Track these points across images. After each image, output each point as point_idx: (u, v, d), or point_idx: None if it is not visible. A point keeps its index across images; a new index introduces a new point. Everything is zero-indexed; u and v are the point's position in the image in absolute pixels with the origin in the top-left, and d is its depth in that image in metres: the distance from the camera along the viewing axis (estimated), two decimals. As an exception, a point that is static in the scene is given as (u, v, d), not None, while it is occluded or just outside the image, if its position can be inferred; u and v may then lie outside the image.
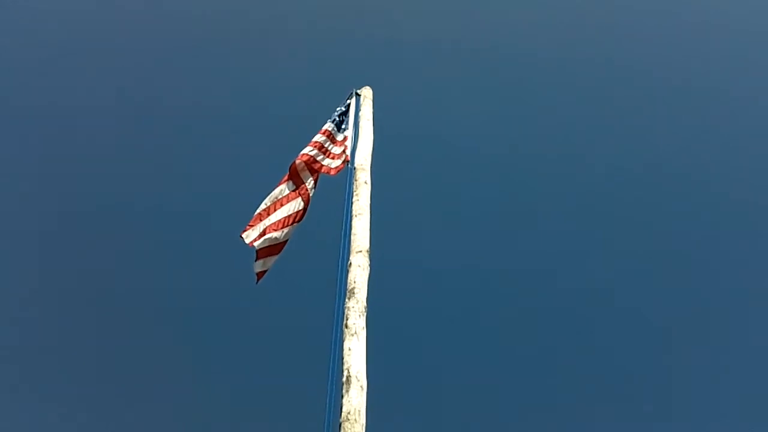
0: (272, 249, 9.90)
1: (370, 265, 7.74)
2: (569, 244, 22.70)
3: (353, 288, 7.36)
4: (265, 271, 10.07)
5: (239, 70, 24.34)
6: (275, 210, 9.80)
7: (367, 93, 10.89)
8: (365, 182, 9.03)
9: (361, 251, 7.85)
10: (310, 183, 10.04)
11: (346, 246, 8.04)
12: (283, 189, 9.94)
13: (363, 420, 6.10)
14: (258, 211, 9.75)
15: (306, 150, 10.09)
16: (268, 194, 9.89)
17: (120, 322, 21.60)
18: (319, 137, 10.29)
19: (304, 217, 10.08)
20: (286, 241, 10.02)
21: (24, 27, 23.50)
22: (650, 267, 22.18)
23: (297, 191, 9.97)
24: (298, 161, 10.00)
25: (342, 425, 6.04)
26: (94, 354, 21.07)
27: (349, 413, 6.09)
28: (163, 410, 20.72)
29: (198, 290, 22.10)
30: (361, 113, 10.47)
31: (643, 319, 21.58)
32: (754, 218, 22.09)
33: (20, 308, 20.92)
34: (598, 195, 23.62)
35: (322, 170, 10.05)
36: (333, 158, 10.15)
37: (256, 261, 9.86)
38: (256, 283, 10.07)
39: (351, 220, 8.36)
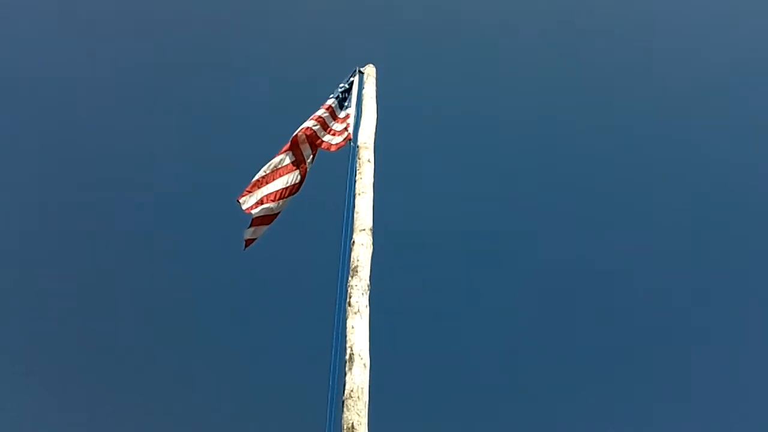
0: (265, 219, 9.98)
1: (373, 244, 7.76)
2: (574, 221, 22.13)
3: (356, 266, 7.37)
4: (253, 240, 10.11)
5: (240, 47, 23.88)
6: (273, 180, 9.82)
7: (370, 71, 10.85)
8: (368, 160, 9.01)
9: (364, 230, 7.88)
10: (309, 157, 10.04)
11: (350, 224, 8.05)
12: (283, 158, 9.94)
13: (366, 398, 6.14)
14: (256, 177, 9.78)
15: (308, 123, 10.07)
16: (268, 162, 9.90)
17: (120, 306, 21.26)
18: (321, 112, 10.28)
19: (300, 191, 10.10)
20: (279, 212, 10.07)
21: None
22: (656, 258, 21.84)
23: (295, 163, 9.97)
24: (300, 133, 9.98)
25: (345, 403, 6.07)
26: (92, 349, 20.72)
27: (351, 391, 6.13)
28: (165, 393, 20.49)
29: (200, 268, 21.69)
30: (364, 91, 10.43)
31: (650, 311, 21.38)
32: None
33: (18, 307, 20.48)
34: (608, 174, 22.86)
35: (323, 146, 10.06)
36: (334, 135, 10.14)
37: (249, 227, 9.90)
38: (244, 249, 10.12)
39: (354, 199, 8.37)
